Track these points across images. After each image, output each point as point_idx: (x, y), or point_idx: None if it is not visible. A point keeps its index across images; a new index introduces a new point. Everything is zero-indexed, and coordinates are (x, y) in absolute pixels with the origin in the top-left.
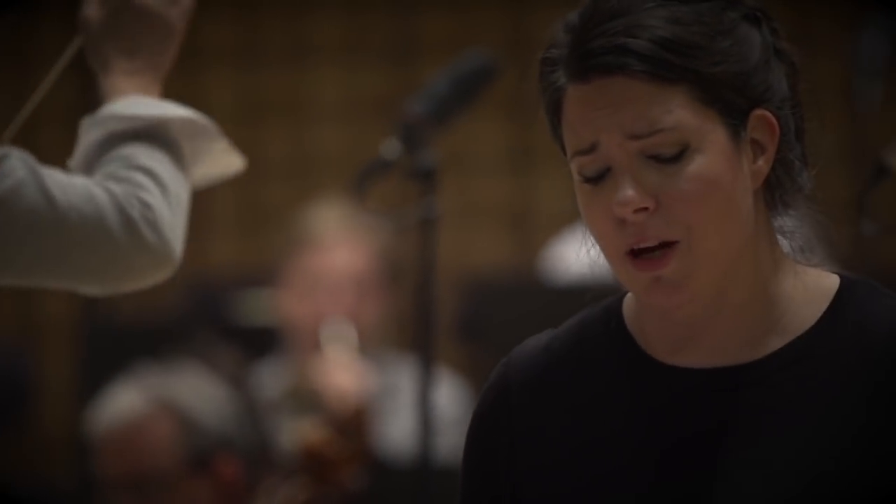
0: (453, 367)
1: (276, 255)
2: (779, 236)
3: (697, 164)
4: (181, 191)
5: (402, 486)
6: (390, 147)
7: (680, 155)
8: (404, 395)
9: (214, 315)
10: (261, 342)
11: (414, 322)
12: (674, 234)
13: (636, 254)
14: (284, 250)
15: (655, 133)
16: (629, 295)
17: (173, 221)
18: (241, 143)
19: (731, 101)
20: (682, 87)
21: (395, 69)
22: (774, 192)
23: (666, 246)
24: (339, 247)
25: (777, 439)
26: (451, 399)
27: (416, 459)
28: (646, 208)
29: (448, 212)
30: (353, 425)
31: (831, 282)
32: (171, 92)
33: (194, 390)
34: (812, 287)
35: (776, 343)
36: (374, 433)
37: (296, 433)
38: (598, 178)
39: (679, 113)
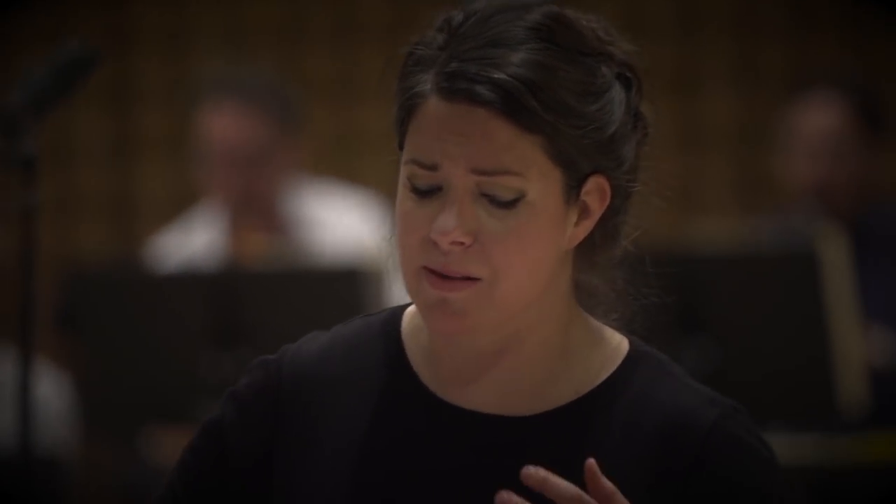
0: (54, 359)
1: None
2: (580, 291)
3: (525, 218)
4: None
5: (4, 478)
6: None
7: (513, 202)
8: (5, 389)
9: None
10: None
11: (14, 314)
12: (478, 272)
13: (433, 270)
14: None
15: (499, 174)
16: (410, 310)
17: None
18: None
19: (577, 165)
20: (538, 139)
21: None
22: (586, 252)
23: (466, 279)
24: None
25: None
26: (53, 391)
27: (17, 451)
28: (462, 243)
29: (49, 202)
30: None
31: (621, 342)
32: None
33: None
34: (603, 341)
35: (562, 396)
36: None
37: None
38: (426, 193)
39: (528, 161)
